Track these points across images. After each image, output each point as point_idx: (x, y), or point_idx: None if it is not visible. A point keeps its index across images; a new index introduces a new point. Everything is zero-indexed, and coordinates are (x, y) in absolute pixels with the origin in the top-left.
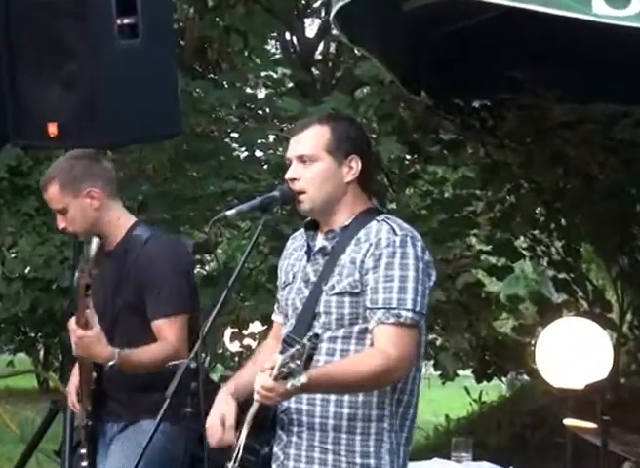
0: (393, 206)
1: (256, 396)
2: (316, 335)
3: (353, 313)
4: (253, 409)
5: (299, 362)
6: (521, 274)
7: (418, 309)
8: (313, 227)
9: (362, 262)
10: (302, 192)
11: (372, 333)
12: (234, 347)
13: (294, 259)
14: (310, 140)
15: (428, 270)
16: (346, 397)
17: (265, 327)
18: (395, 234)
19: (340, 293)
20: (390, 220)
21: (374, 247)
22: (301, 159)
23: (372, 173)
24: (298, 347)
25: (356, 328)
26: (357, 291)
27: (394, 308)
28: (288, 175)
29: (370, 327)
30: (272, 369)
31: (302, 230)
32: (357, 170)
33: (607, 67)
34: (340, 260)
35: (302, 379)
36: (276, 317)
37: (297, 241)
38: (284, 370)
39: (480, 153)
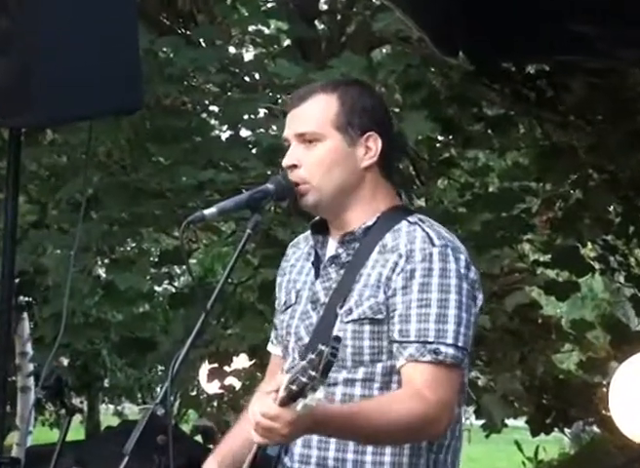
0: (421, 202)
1: (254, 434)
2: (337, 338)
3: (375, 347)
4: (249, 457)
5: (313, 372)
6: (589, 293)
7: (461, 344)
8: (322, 230)
9: (388, 279)
10: (305, 182)
11: (401, 373)
12: (212, 388)
13: (297, 273)
14: (313, 114)
15: (474, 292)
16: (368, 457)
17: (254, 361)
18: (433, 244)
19: (359, 320)
20: (425, 224)
21: (404, 260)
22: (302, 139)
23: (394, 156)
24: (312, 356)
25: (379, 367)
26: (380, 317)
27: (431, 342)
28: (285, 161)
29: (398, 365)
30: (277, 391)
31: (308, 234)
32: (377, 151)
33: None
34: (360, 275)
35: (318, 395)
36: (273, 348)
37: (300, 249)
38: (293, 387)
39: (536, 134)
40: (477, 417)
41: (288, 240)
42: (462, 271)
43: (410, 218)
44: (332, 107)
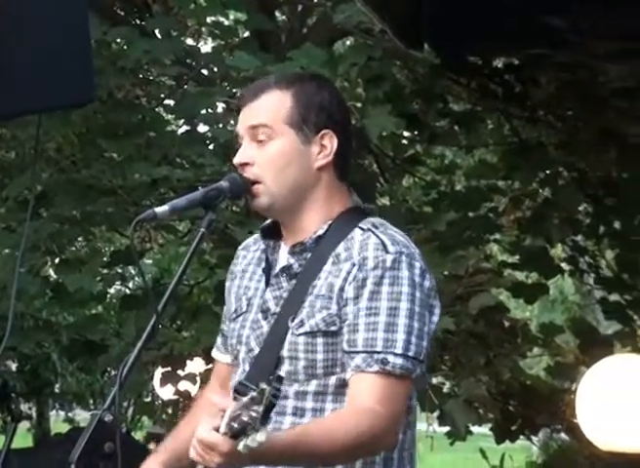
0: (385, 201)
1: (193, 453)
2: (279, 378)
3: (328, 359)
4: None
5: (254, 414)
6: (559, 296)
7: (411, 354)
8: (274, 234)
9: (341, 290)
10: (258, 182)
11: (349, 384)
12: (167, 394)
13: (248, 279)
14: (266, 110)
15: (429, 301)
16: None
17: (210, 365)
18: (386, 251)
19: (311, 333)
20: (379, 230)
21: (357, 269)
22: (255, 136)
23: (351, 156)
24: (253, 394)
25: (333, 379)
26: (334, 329)
27: (379, 352)
28: (237, 159)
29: (347, 376)
30: (222, 416)
31: (258, 235)
32: (332, 150)
33: None
34: (312, 286)
35: (260, 437)
36: (218, 355)
37: (251, 252)
38: (235, 424)
39: (504, 130)
40: (440, 424)
41: (245, 240)
42: (417, 279)
43: (362, 225)
44: (286, 103)
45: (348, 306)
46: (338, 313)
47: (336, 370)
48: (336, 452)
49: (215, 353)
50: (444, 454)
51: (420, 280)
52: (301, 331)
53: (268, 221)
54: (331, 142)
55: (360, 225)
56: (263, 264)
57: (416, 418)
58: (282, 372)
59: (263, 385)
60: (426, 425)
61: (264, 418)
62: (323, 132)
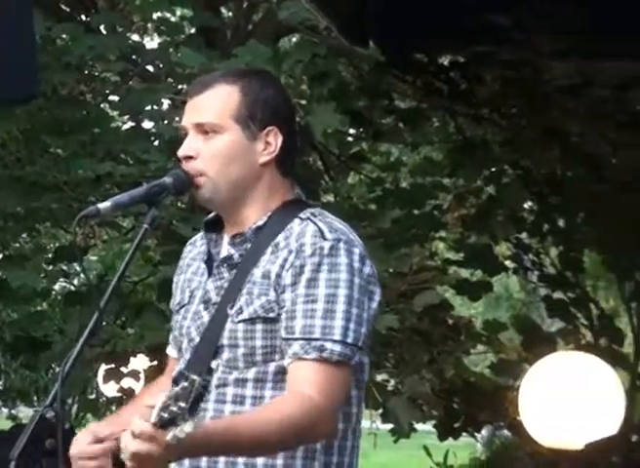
0: (330, 198)
1: (124, 455)
2: (209, 369)
3: (267, 346)
4: None
5: (183, 404)
6: (504, 293)
7: (350, 341)
8: (216, 228)
9: (278, 277)
10: (201, 175)
11: (287, 372)
12: (110, 390)
13: (192, 273)
14: (213, 104)
15: (369, 287)
16: (260, 461)
17: (155, 363)
18: (324, 238)
19: (250, 320)
20: (317, 218)
21: (294, 255)
22: (200, 130)
23: (294, 152)
24: (184, 384)
25: (272, 366)
26: (272, 315)
27: (316, 339)
28: (181, 152)
29: (285, 363)
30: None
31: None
32: (276, 147)
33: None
34: (251, 275)
35: (187, 428)
36: (170, 351)
37: (197, 247)
38: (165, 414)
39: (449, 128)
40: (384, 421)
41: (190, 236)
42: (355, 265)
43: (302, 215)
44: (233, 99)
45: (286, 293)
46: (276, 299)
47: (275, 357)
48: (272, 440)
49: (168, 349)
50: (388, 452)
51: (360, 266)
52: (240, 318)
53: (211, 215)
54: (275, 139)
55: (299, 215)
56: (206, 257)
57: (361, 411)
58: (221, 365)
59: (193, 376)
60: (370, 422)
61: (193, 409)
62: (268, 128)
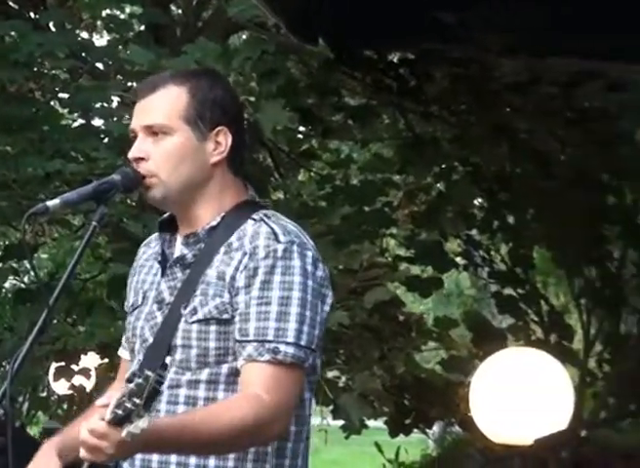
0: (280, 195)
1: (82, 452)
2: (164, 365)
3: (221, 348)
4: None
5: (138, 400)
6: (455, 289)
7: (303, 343)
8: (170, 228)
9: (233, 279)
10: (152, 176)
11: (241, 374)
12: (61, 388)
13: (145, 274)
14: (161, 106)
15: (322, 290)
16: (211, 462)
17: (106, 360)
18: (277, 240)
19: (204, 320)
20: (271, 220)
21: (248, 258)
22: (150, 131)
23: (244, 151)
24: (138, 381)
25: (224, 368)
26: (226, 317)
27: (270, 341)
28: (132, 154)
29: (239, 365)
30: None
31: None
32: (226, 146)
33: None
34: (205, 275)
35: (142, 424)
36: (123, 353)
37: (151, 248)
38: (119, 411)
39: (399, 124)
40: (334, 417)
41: (140, 234)
42: (309, 268)
43: (255, 216)
44: (182, 100)
45: (240, 295)
46: (230, 301)
47: (228, 358)
48: (221, 439)
49: (120, 351)
50: (340, 448)
51: (313, 269)
52: (195, 318)
53: (166, 215)
54: (225, 139)
55: (253, 216)
56: (159, 257)
57: (311, 412)
58: (174, 360)
59: (148, 372)
60: (320, 419)
61: (148, 405)
62: (218, 128)
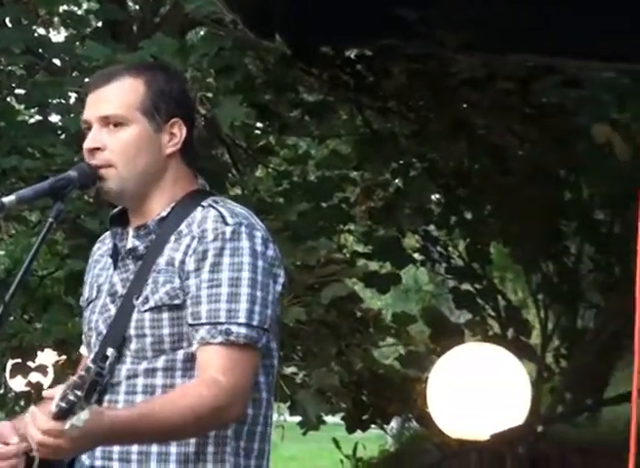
0: (238, 191)
1: (34, 446)
2: (104, 356)
3: (175, 334)
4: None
5: (79, 392)
6: (413, 285)
7: (256, 323)
8: (122, 222)
9: (182, 263)
10: (109, 166)
11: (195, 358)
12: (18, 385)
13: (99, 269)
14: (119, 97)
15: (273, 270)
16: (173, 449)
17: (64, 357)
18: (225, 223)
19: (157, 308)
20: (219, 204)
21: (197, 241)
22: (106, 122)
23: (195, 144)
24: (81, 373)
25: (180, 354)
26: (178, 302)
27: (222, 323)
28: (88, 144)
29: (193, 349)
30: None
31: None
32: (181, 138)
33: None
34: (156, 264)
35: (84, 416)
36: (83, 350)
37: (106, 244)
38: (63, 404)
39: (356, 121)
40: (292, 414)
41: (97, 230)
42: (258, 249)
43: (203, 203)
44: (138, 91)
45: (190, 279)
46: (180, 286)
47: (182, 344)
48: (181, 425)
49: (81, 348)
50: (297, 444)
51: (263, 249)
52: (147, 307)
53: (117, 209)
54: (180, 131)
55: (202, 203)
56: (111, 251)
57: (271, 397)
58: (129, 357)
59: (90, 364)
60: (277, 415)
61: (89, 397)
62: (173, 120)
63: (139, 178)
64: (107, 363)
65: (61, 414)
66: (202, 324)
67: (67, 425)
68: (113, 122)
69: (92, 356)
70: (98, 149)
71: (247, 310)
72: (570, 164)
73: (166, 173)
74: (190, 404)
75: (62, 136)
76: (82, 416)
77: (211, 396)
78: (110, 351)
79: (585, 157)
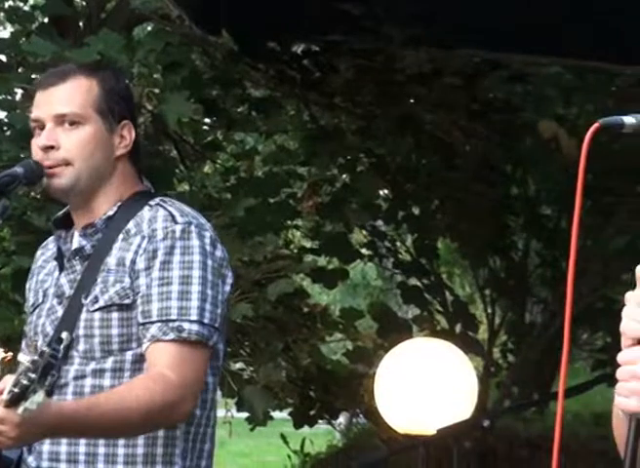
0: (185, 187)
1: None
2: (59, 339)
3: (124, 334)
4: None
5: (33, 375)
6: (362, 281)
7: (207, 321)
8: (65, 225)
9: (132, 262)
10: (66, 164)
11: (146, 356)
12: None
13: (44, 274)
14: (75, 96)
15: (222, 270)
16: (121, 450)
17: (10, 354)
18: (175, 221)
19: (106, 307)
20: (167, 204)
21: (147, 241)
22: (61, 121)
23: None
24: (34, 358)
25: (129, 355)
26: (128, 302)
27: (174, 320)
28: (42, 142)
29: (144, 348)
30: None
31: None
32: (131, 140)
33: None
34: (105, 264)
35: (37, 398)
36: (20, 356)
37: (50, 249)
38: (16, 389)
39: (303, 116)
40: (239, 410)
41: (44, 226)
42: (208, 248)
43: (151, 202)
44: (94, 91)
45: (140, 278)
46: (130, 286)
47: (132, 345)
48: (129, 419)
49: (19, 356)
50: (246, 440)
51: (212, 249)
52: (96, 306)
53: (60, 212)
54: (130, 133)
55: (149, 203)
56: (56, 254)
57: (215, 397)
58: (77, 357)
59: (43, 348)
60: (225, 411)
61: (43, 380)
62: (124, 122)
63: (92, 177)
64: (62, 346)
65: (14, 400)
66: (153, 321)
67: (20, 409)
68: (69, 121)
69: (46, 341)
70: (52, 148)
71: (198, 308)
72: (516, 159)
73: (114, 173)
74: (138, 398)
75: (8, 133)
76: (35, 399)
77: (159, 391)
78: (65, 334)
79: (532, 153)
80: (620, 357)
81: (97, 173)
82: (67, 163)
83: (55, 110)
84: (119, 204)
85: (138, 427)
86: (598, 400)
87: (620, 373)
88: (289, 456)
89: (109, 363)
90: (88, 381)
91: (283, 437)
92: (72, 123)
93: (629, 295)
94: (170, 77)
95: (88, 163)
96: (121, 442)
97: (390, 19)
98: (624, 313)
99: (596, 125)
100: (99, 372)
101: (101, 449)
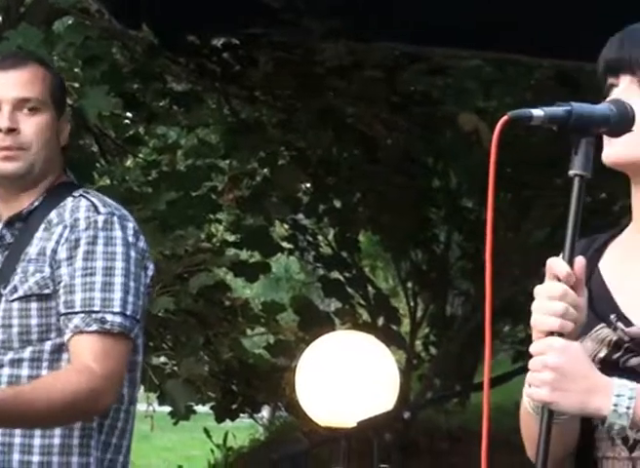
0: (107, 181)
1: None
2: None
3: (43, 324)
4: None
5: None
6: (285, 274)
7: (129, 313)
8: None
9: (54, 252)
10: (24, 148)
11: (68, 347)
12: None
13: None
14: (35, 83)
15: (144, 262)
16: (36, 441)
17: None
18: (97, 212)
19: (25, 297)
20: (90, 195)
21: (69, 230)
22: (21, 105)
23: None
24: None
25: (47, 345)
26: (48, 292)
27: (97, 311)
28: (4, 124)
29: (66, 339)
30: None
31: None
32: (67, 132)
33: None
34: (25, 253)
35: None
36: None
37: None
38: None
39: (224, 110)
40: (160, 403)
41: None
42: (130, 239)
43: (75, 193)
44: (49, 80)
45: (62, 268)
46: (51, 276)
47: (50, 335)
48: (52, 410)
49: None
50: (169, 434)
51: (134, 240)
52: (15, 296)
53: None
54: (67, 124)
55: (73, 194)
56: None
57: (134, 393)
58: None
59: None
60: (146, 405)
61: None
62: (65, 113)
63: (44, 165)
64: (6, 324)
65: None
66: (76, 312)
67: None
68: (29, 106)
69: None
70: (14, 130)
71: (121, 299)
72: (437, 152)
73: (57, 164)
74: (62, 388)
75: None
76: None
77: (83, 382)
78: (7, 314)
79: (452, 145)
80: (532, 348)
81: (48, 161)
82: (24, 148)
83: (17, 94)
84: (44, 194)
85: (60, 417)
86: (520, 389)
87: (532, 364)
88: (212, 451)
89: (27, 353)
90: (5, 370)
91: (206, 431)
92: (32, 109)
93: (538, 289)
94: (89, 71)
95: (42, 151)
96: (37, 432)
97: (310, 12)
98: (534, 307)
99: (505, 117)
100: (16, 362)
101: (17, 440)
